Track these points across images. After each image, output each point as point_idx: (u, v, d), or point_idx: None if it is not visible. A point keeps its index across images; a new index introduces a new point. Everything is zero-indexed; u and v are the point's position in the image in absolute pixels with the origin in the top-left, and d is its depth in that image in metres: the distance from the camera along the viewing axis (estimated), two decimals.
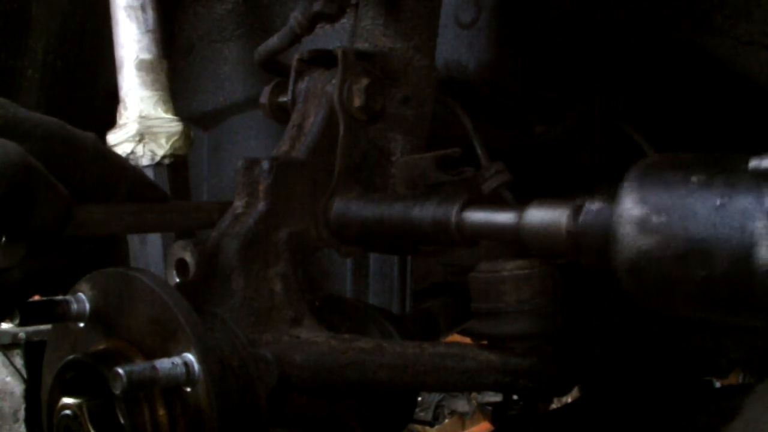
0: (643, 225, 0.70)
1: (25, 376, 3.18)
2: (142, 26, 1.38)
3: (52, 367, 0.86)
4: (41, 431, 0.87)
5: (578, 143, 1.31)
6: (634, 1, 1.13)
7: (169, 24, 1.50)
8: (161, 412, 0.78)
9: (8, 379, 3.19)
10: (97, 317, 0.84)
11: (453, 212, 0.88)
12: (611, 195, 0.74)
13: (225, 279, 0.88)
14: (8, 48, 0.80)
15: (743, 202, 0.66)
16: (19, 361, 3.21)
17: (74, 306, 0.84)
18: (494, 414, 1.04)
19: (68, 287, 0.87)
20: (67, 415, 0.80)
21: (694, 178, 0.69)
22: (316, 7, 1.03)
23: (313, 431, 0.96)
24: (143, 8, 1.38)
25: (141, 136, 1.37)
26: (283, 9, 1.44)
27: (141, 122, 1.37)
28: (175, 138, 1.39)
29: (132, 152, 1.38)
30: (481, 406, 3.76)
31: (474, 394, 3.79)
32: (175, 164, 1.41)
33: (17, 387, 3.18)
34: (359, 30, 1.07)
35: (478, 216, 0.88)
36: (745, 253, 0.65)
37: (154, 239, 1.39)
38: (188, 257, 0.90)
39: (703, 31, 1.09)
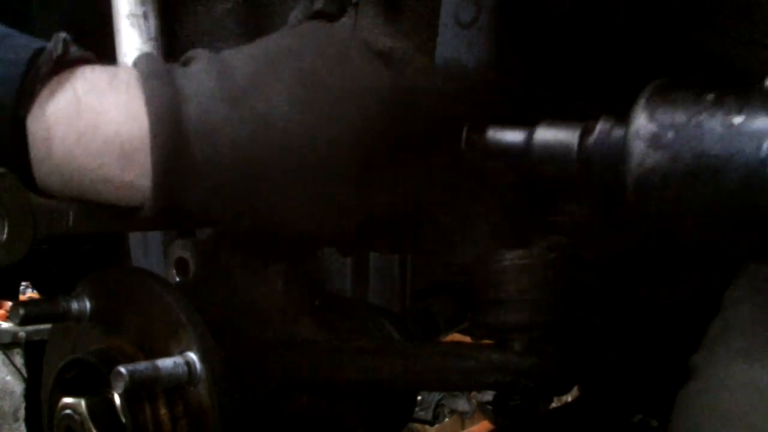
0: (654, 141, 0.71)
1: (25, 375, 3.18)
2: (144, 35, 1.37)
3: (53, 366, 0.86)
4: (41, 431, 0.87)
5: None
6: (634, 0, 1.13)
7: (170, 24, 1.50)
8: (163, 411, 0.78)
9: (8, 378, 3.19)
10: (97, 316, 0.84)
11: (463, 131, 0.88)
12: (624, 115, 0.75)
13: (226, 278, 0.89)
14: None
15: (755, 120, 0.66)
16: (19, 361, 3.21)
17: (75, 305, 0.84)
18: (495, 405, 1.05)
19: (69, 287, 0.87)
20: (67, 414, 0.80)
21: (706, 97, 0.69)
22: (317, 6, 1.03)
23: (313, 431, 0.96)
24: (145, 16, 1.38)
25: None
26: (283, 8, 1.44)
27: None
28: None
29: None
30: (481, 406, 3.76)
31: (474, 394, 3.79)
32: None
33: (17, 386, 3.18)
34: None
35: (487, 135, 0.88)
36: (755, 170, 0.66)
37: (156, 243, 1.39)
38: (188, 256, 0.90)
39: (703, 31, 1.09)
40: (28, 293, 2.93)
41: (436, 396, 3.91)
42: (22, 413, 3.15)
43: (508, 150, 0.86)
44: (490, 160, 0.89)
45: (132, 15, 1.37)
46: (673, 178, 0.70)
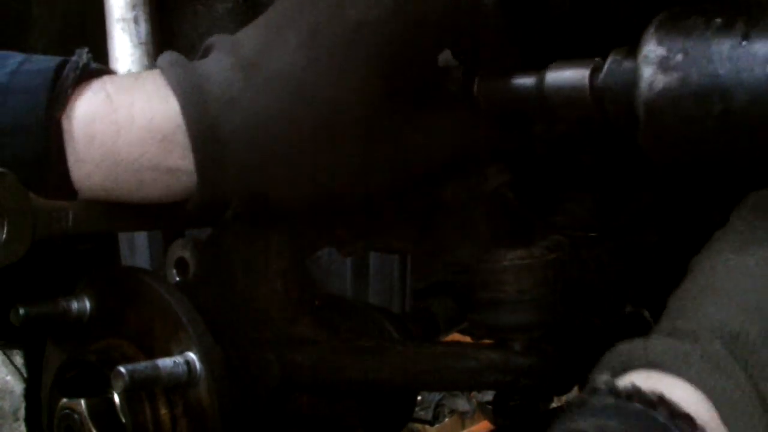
0: (663, 64, 0.72)
1: (25, 375, 3.18)
2: (135, 39, 1.38)
3: (53, 366, 0.86)
4: (41, 430, 0.87)
5: (578, 143, 1.31)
6: (634, 0, 1.13)
7: (170, 24, 1.49)
8: (163, 411, 0.78)
9: (8, 378, 3.19)
10: (97, 316, 0.84)
11: (475, 80, 0.88)
12: (634, 47, 0.76)
13: (225, 278, 0.89)
14: (8, 48, 0.81)
15: (763, 40, 0.68)
16: (19, 360, 3.21)
17: (75, 305, 0.84)
18: (495, 405, 1.05)
19: (69, 287, 0.87)
20: (67, 414, 0.80)
21: (715, 20, 0.71)
22: None
23: (313, 430, 0.96)
24: (136, 20, 1.38)
25: None
26: None
27: None
28: None
29: None
30: (481, 406, 3.76)
31: (474, 393, 3.79)
32: None
33: (17, 386, 3.18)
34: None
35: (498, 82, 0.88)
36: (763, 88, 0.67)
37: (143, 247, 1.39)
38: (188, 256, 0.90)
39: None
40: None
41: (436, 396, 3.90)
42: (22, 413, 3.14)
43: (520, 95, 0.86)
44: (502, 108, 0.89)
45: (122, 19, 1.37)
46: (683, 100, 0.71)
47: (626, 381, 0.61)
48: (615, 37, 0.84)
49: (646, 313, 1.25)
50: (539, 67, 0.86)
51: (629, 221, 1.15)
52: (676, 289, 0.73)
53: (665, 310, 0.72)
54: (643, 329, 0.68)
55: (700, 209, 1.17)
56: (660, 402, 0.58)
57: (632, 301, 1.25)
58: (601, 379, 0.63)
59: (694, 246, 0.76)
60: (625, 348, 0.65)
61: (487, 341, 0.95)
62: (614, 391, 0.60)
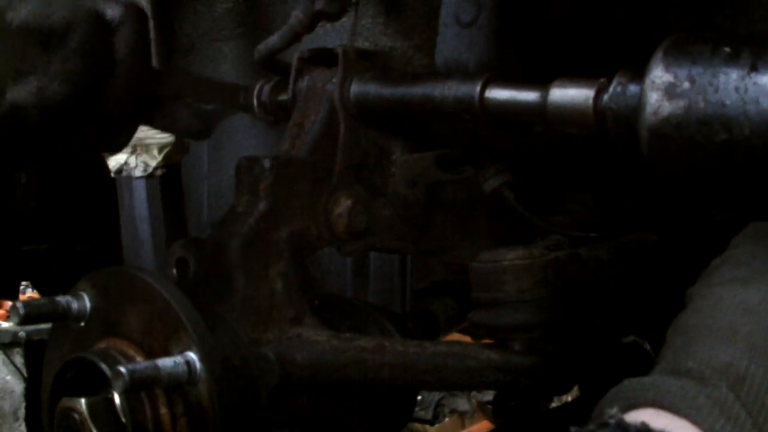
0: (670, 90, 0.72)
1: (25, 374, 3.18)
2: None
3: (53, 366, 0.86)
4: (41, 430, 0.87)
5: (578, 143, 1.31)
6: (634, 0, 1.13)
7: (170, 23, 1.49)
8: (163, 410, 0.78)
9: (8, 377, 3.19)
10: (97, 316, 0.84)
11: (477, 89, 0.88)
12: (640, 69, 0.76)
13: (226, 278, 0.89)
14: None
15: None
16: (19, 360, 3.21)
17: (75, 305, 0.84)
18: (495, 405, 1.05)
19: (69, 287, 0.87)
20: (67, 414, 0.80)
21: (723, 49, 0.71)
22: (318, 5, 1.03)
23: (314, 430, 0.96)
24: None
25: (134, 148, 1.37)
26: (283, 7, 1.44)
27: None
28: (168, 149, 1.39)
29: (125, 163, 1.38)
30: (481, 406, 3.76)
31: (474, 393, 3.79)
32: (168, 175, 1.40)
33: (17, 386, 3.18)
34: (359, 29, 1.07)
35: (502, 93, 0.88)
36: (766, 120, 0.68)
37: (148, 247, 1.39)
38: (188, 256, 0.90)
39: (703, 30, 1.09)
40: (28, 293, 2.93)
41: (436, 396, 3.90)
42: (22, 413, 3.15)
43: (523, 109, 0.86)
44: (503, 120, 0.89)
45: None
46: (687, 127, 0.71)
47: (634, 417, 0.61)
48: (615, 35, 0.84)
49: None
50: (540, 73, 0.86)
51: (629, 221, 1.16)
52: (676, 319, 0.73)
53: (666, 343, 0.71)
54: (644, 361, 0.67)
55: (700, 208, 1.17)
56: None
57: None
58: (610, 413, 0.62)
59: (692, 248, 0.76)
60: (632, 384, 0.65)
61: (487, 341, 0.95)
62: (623, 427, 0.60)
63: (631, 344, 1.28)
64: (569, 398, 2.02)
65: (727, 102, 0.70)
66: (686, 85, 0.72)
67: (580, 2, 1.16)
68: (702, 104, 0.71)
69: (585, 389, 1.67)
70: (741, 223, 0.82)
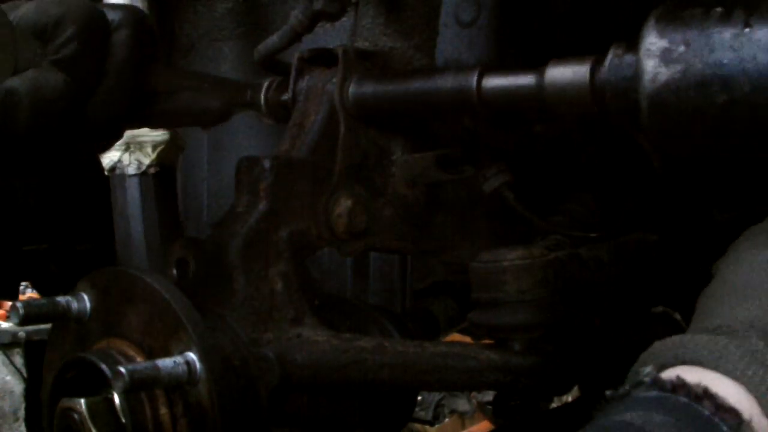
0: (665, 56, 0.72)
1: (25, 375, 3.18)
2: None
3: (53, 366, 0.86)
4: (41, 430, 0.87)
5: (578, 143, 1.31)
6: (634, 0, 1.13)
7: (170, 23, 1.49)
8: (163, 410, 0.78)
9: (8, 378, 3.19)
10: (97, 316, 0.84)
11: (473, 78, 0.87)
12: (634, 40, 0.75)
13: (226, 278, 0.88)
14: None
15: (764, 27, 0.68)
16: (19, 360, 3.21)
17: (75, 305, 0.84)
18: (495, 405, 1.05)
19: (69, 287, 0.87)
20: (67, 414, 0.80)
21: (714, 10, 0.71)
22: (318, 5, 1.03)
23: (314, 430, 0.96)
24: None
25: (127, 146, 1.37)
26: (283, 7, 1.44)
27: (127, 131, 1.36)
28: (162, 147, 1.38)
29: (119, 161, 1.37)
30: (481, 406, 3.76)
31: (474, 394, 3.79)
32: (162, 174, 1.40)
33: (17, 386, 3.18)
34: (359, 29, 1.07)
35: (498, 81, 0.87)
36: (765, 76, 0.67)
37: (140, 244, 1.38)
38: (188, 256, 0.90)
39: None
40: (28, 293, 2.93)
41: (436, 396, 3.90)
42: (22, 413, 3.15)
43: (520, 94, 0.86)
44: (501, 111, 0.88)
45: None
46: (686, 91, 0.71)
47: (670, 374, 0.61)
48: (615, 35, 0.84)
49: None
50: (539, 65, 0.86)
51: (629, 221, 1.16)
52: (705, 290, 0.73)
53: (696, 311, 0.71)
54: (674, 330, 0.67)
55: (700, 208, 1.17)
56: (705, 395, 0.58)
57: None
58: (645, 372, 0.62)
59: (695, 244, 0.76)
60: (664, 344, 0.65)
61: (487, 341, 0.95)
62: (659, 384, 0.60)
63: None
64: (569, 398, 2.02)
65: (725, 61, 0.69)
66: (681, 48, 0.71)
67: (581, 2, 1.16)
68: (699, 66, 0.70)
69: (585, 389, 1.67)
70: (741, 223, 0.82)
